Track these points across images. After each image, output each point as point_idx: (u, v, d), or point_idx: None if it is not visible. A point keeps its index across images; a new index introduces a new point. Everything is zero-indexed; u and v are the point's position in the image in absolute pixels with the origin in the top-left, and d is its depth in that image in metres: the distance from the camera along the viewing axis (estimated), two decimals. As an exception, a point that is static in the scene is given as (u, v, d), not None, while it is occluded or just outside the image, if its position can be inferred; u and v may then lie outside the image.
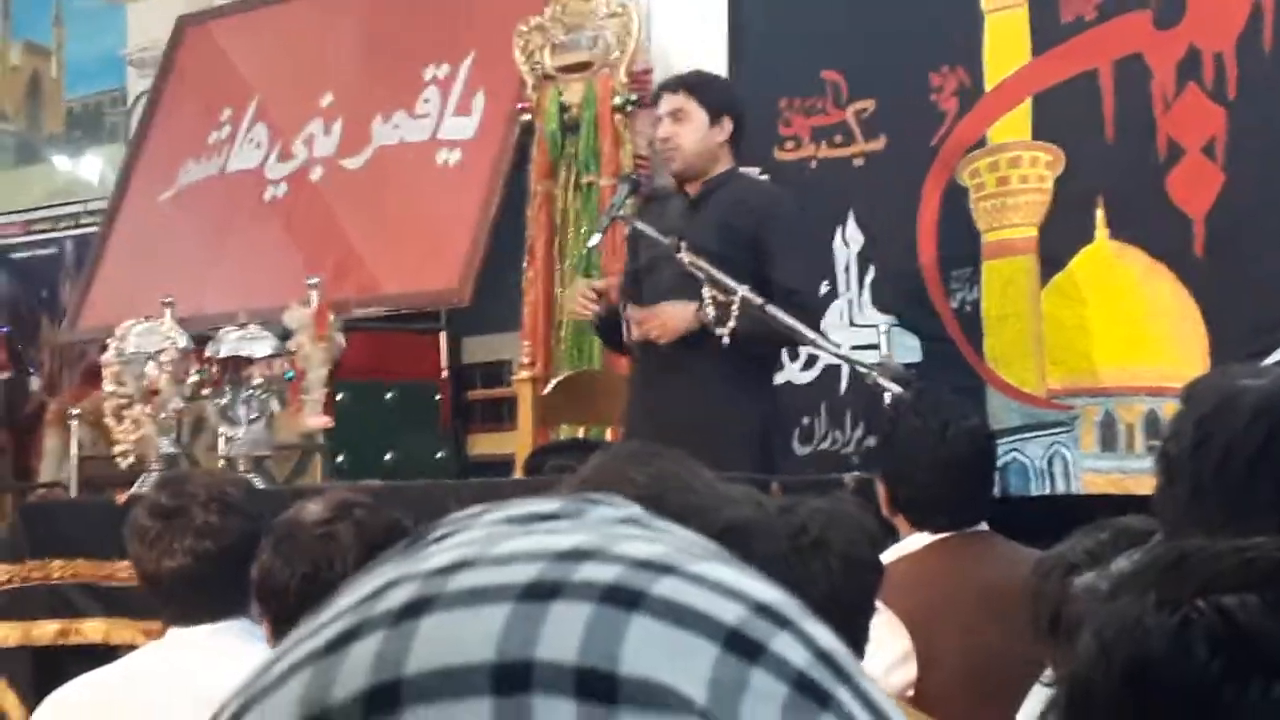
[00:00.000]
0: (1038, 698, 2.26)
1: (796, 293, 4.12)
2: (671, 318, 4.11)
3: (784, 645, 0.46)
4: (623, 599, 0.45)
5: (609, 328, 4.43)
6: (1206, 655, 0.91)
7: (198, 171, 6.84)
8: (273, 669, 0.47)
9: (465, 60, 6.11)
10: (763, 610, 0.47)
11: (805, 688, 0.46)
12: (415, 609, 0.46)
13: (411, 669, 0.44)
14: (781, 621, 0.47)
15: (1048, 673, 2.21)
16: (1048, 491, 4.53)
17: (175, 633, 2.61)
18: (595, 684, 0.43)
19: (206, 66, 7.03)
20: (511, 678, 0.43)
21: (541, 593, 0.45)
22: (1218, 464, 1.29)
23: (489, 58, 5.98)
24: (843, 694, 0.46)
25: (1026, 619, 2.09)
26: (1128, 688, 0.93)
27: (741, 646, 0.45)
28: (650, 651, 0.44)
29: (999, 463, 4.50)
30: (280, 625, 2.32)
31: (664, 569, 0.47)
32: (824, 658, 0.47)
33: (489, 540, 0.48)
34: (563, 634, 0.44)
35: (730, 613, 0.46)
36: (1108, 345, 4.53)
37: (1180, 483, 1.33)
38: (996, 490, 4.27)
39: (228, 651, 2.47)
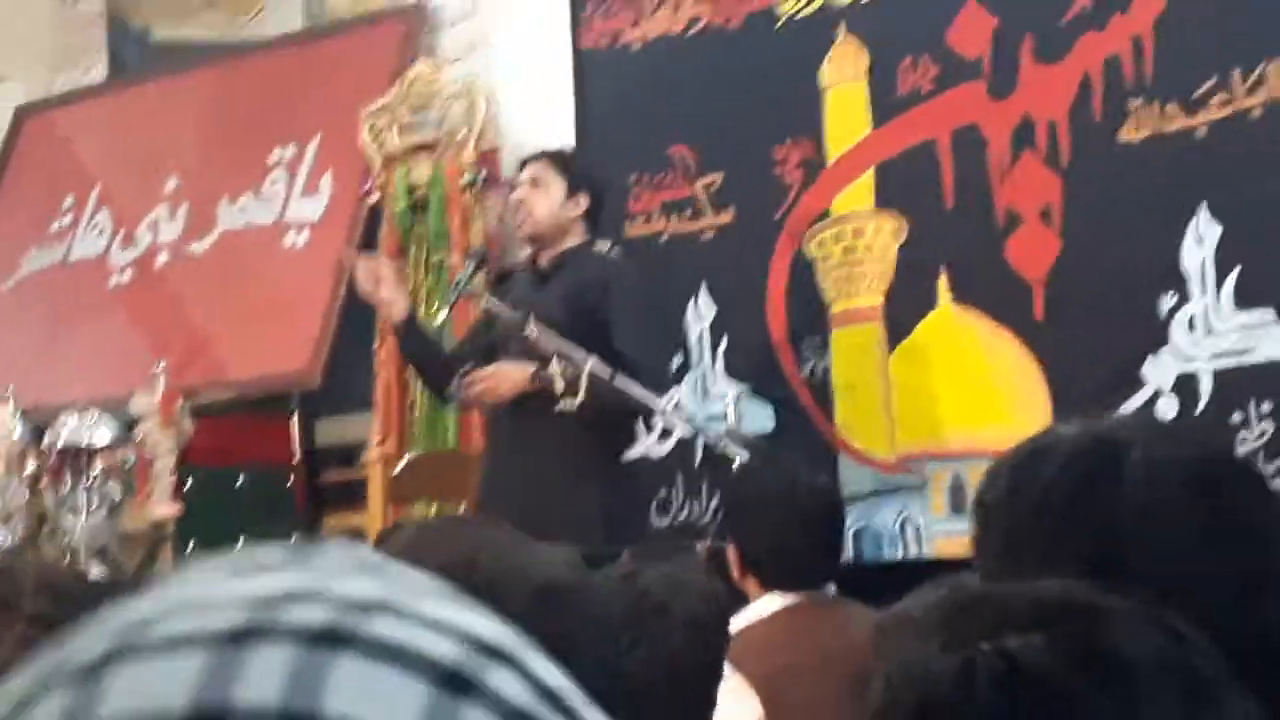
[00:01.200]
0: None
1: (636, 363, 4.10)
2: (503, 379, 4.09)
3: (501, 681, 0.45)
4: (330, 639, 0.44)
5: (416, 341, 4.43)
6: (990, 696, 0.90)
7: (40, 259, 6.72)
8: None
9: (312, 142, 6.08)
10: (481, 646, 0.45)
11: None
12: (110, 658, 0.44)
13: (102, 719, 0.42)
14: (500, 657, 0.45)
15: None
16: (900, 557, 4.56)
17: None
18: None
19: (47, 155, 6.93)
20: None
21: (244, 637, 0.43)
22: (1030, 512, 1.29)
23: (335, 139, 5.95)
24: None
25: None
26: (915, 733, 0.92)
27: (454, 683, 0.44)
28: (356, 692, 0.43)
29: (852, 528, 4.55)
30: None
31: (378, 607, 0.45)
32: (545, 693, 0.46)
33: (205, 585, 0.46)
34: (263, 678, 0.42)
35: (445, 649, 0.45)
36: (954, 409, 4.60)
37: (994, 531, 1.33)
38: (850, 557, 4.31)
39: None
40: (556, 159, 4.47)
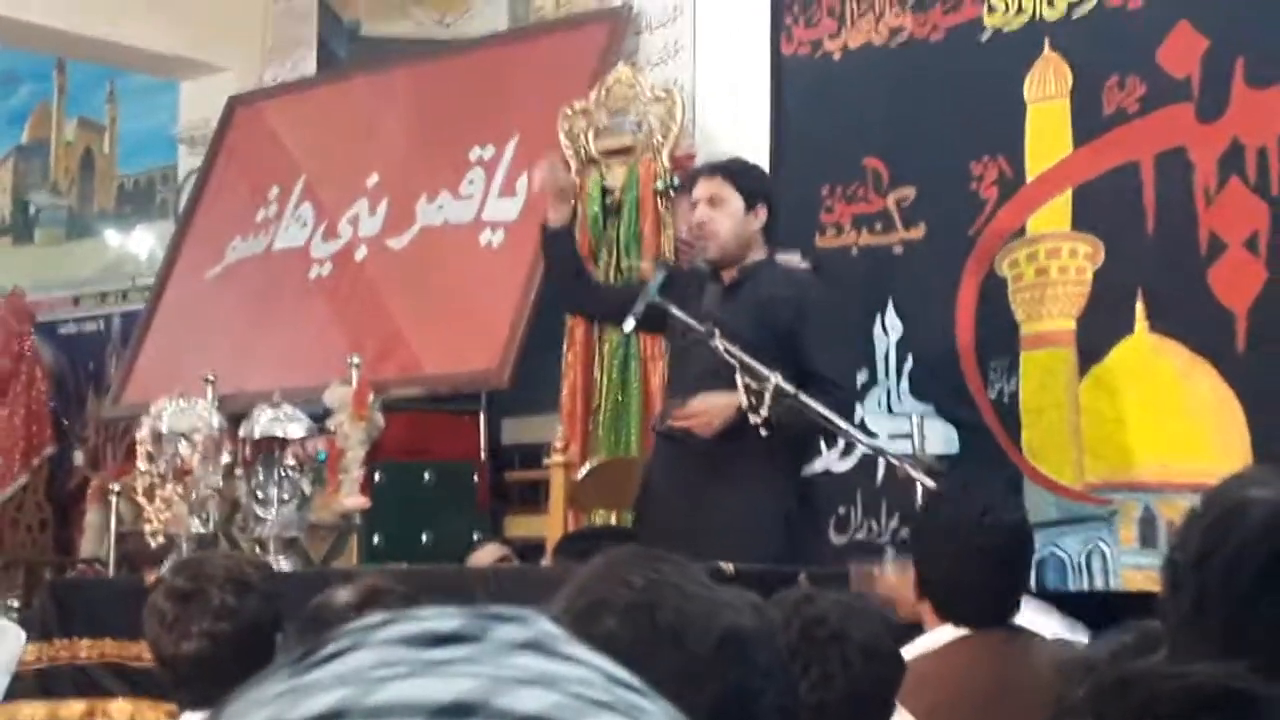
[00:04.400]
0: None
1: (832, 383, 4.10)
2: (714, 414, 4.04)
3: None
4: None
5: (560, 250, 4.50)
6: None
7: (244, 249, 6.90)
8: None
9: (510, 142, 6.14)
10: None
11: None
12: None
13: None
14: None
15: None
16: (1086, 587, 4.46)
17: (190, 717, 2.59)
18: None
19: (256, 145, 7.11)
20: None
21: None
22: (1222, 577, 1.26)
23: (534, 140, 6.00)
24: None
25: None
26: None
27: None
28: None
29: (1035, 557, 4.46)
30: None
31: None
32: None
33: (370, 680, 0.46)
34: None
35: None
36: (1147, 440, 4.48)
37: (1184, 593, 1.30)
38: (1032, 585, 4.22)
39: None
40: (728, 171, 4.34)
